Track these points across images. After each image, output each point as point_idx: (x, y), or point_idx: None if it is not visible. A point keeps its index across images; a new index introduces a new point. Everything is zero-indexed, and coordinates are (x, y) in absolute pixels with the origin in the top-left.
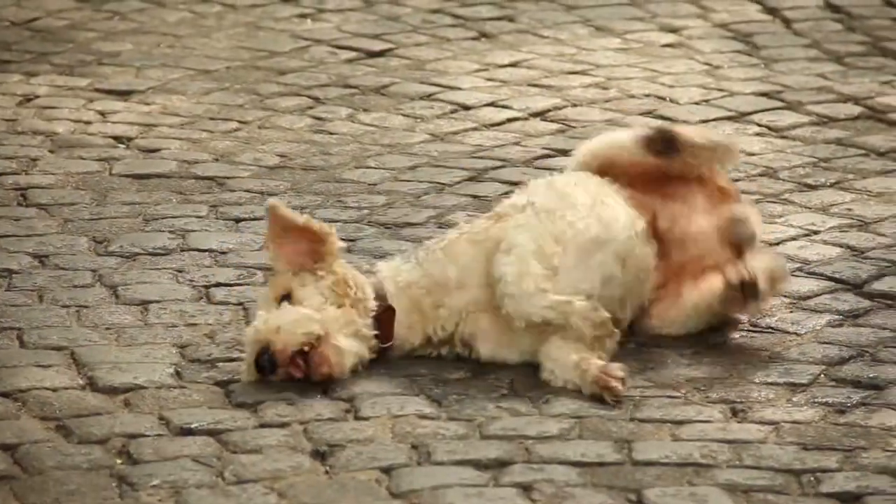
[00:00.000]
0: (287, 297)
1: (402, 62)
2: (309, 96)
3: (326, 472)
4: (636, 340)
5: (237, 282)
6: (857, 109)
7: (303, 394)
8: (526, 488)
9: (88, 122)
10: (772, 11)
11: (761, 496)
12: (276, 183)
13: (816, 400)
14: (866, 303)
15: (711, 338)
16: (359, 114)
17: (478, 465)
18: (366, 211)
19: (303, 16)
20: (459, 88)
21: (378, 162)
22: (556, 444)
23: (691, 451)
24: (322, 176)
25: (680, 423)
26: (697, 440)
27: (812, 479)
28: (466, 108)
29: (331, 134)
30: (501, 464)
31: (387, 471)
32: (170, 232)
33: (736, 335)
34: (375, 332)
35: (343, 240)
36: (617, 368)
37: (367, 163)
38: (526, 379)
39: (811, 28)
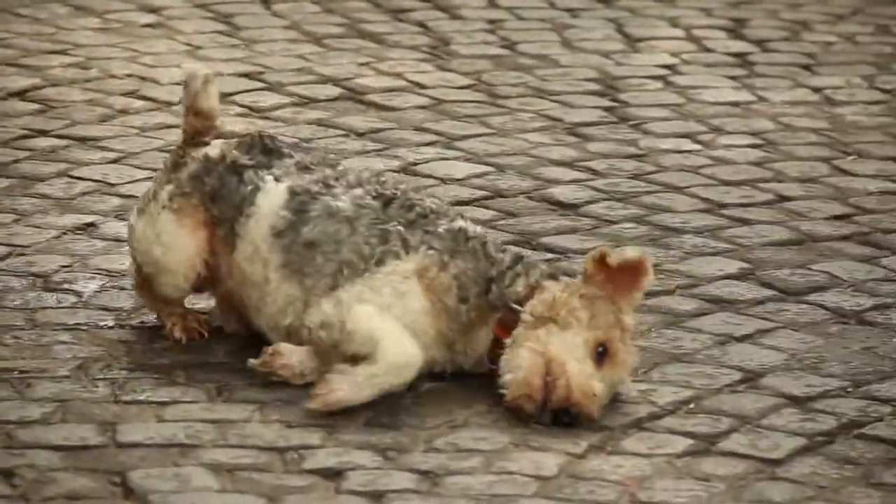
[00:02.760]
0: None
1: None
2: None
3: None
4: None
5: None
6: (336, 91)
7: None
8: (7, 474)
9: None
10: None
11: (245, 474)
12: None
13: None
14: None
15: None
16: None
17: None
18: None
19: None
20: None
21: None
22: (37, 428)
23: (176, 431)
24: None
25: (165, 404)
26: (182, 421)
27: (295, 455)
28: None
29: None
30: None
31: None
32: None
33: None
34: None
35: None
36: None
37: None
38: None
39: (290, 9)
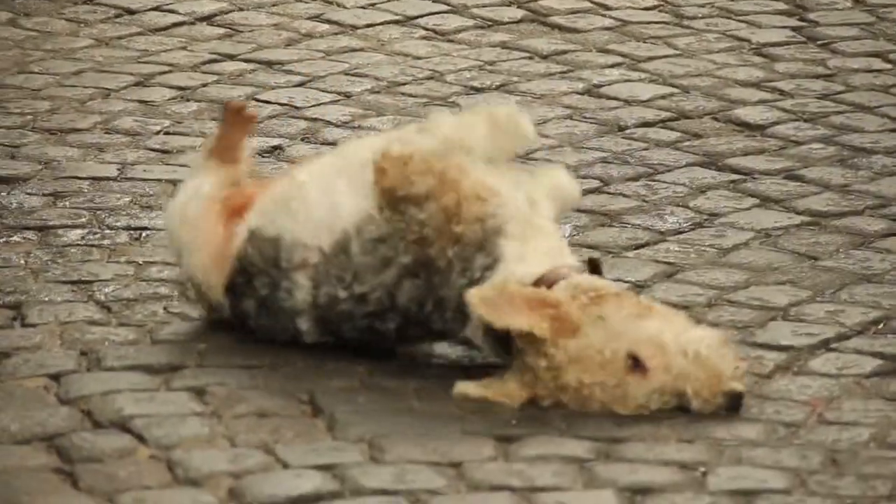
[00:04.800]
0: None
1: None
2: None
3: None
4: None
5: None
6: (520, 13)
7: None
8: (199, 392)
9: None
10: None
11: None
12: None
13: None
14: None
15: None
16: (20, 18)
17: (149, 369)
18: (29, 117)
19: None
20: None
21: (41, 67)
22: (228, 351)
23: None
24: None
25: None
26: None
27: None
28: (131, 12)
29: None
30: (173, 368)
31: (55, 377)
32: None
33: None
34: None
35: (5, 146)
36: None
37: (30, 68)
38: None
39: None
